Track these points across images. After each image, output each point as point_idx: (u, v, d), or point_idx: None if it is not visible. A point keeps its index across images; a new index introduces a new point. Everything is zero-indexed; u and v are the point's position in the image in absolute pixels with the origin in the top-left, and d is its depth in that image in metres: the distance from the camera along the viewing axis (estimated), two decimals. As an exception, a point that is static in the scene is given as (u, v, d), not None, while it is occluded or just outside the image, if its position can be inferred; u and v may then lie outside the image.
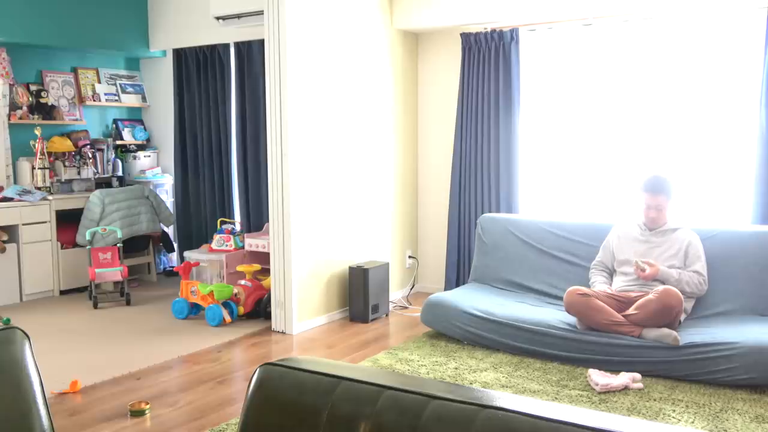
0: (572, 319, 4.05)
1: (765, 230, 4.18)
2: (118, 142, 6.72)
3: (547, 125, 5.36)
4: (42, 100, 6.05)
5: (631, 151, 5.03)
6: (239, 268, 5.17)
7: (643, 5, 4.63)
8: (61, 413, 3.36)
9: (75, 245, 5.91)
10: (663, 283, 4.04)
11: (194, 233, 6.56)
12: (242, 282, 5.09)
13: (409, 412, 1.20)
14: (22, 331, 1.66)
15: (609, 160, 5.12)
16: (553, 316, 4.17)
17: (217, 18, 5.59)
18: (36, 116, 5.96)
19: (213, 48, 6.25)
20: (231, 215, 6.37)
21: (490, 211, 5.46)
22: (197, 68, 6.39)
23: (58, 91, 6.30)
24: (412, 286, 6.00)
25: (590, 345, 3.90)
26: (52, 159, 6.08)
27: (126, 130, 6.81)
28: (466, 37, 5.50)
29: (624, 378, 3.60)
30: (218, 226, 5.79)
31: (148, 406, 3.38)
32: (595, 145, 5.17)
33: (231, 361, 4.19)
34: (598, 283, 4.29)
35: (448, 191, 5.80)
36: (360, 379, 1.30)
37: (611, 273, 4.40)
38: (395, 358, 4.13)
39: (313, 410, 1.29)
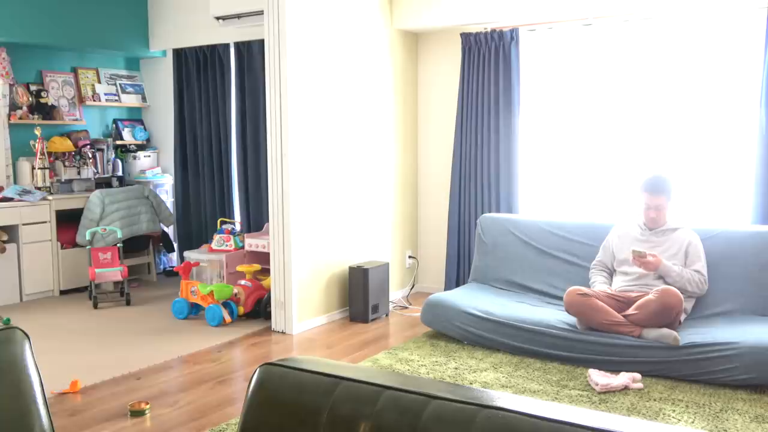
0: (572, 319, 4.05)
1: (765, 230, 4.18)
2: (118, 142, 6.72)
3: (547, 125, 5.36)
4: (42, 100, 6.05)
5: (631, 151, 5.03)
6: (239, 268, 5.17)
7: (643, 5, 4.63)
8: (61, 413, 3.36)
9: (75, 245, 5.91)
10: (664, 280, 4.05)
11: (194, 233, 6.56)
12: (242, 282, 5.09)
13: (409, 412, 1.20)
14: (22, 331, 1.66)
15: (609, 160, 5.12)
16: (553, 316, 4.17)
17: (217, 18, 5.59)
18: (36, 116, 5.96)
19: (213, 48, 6.25)
20: (231, 215, 6.37)
21: (490, 211, 5.46)
22: (197, 68, 6.39)
23: (58, 91, 6.31)
24: (412, 286, 6.00)
25: (590, 345, 3.90)
26: (52, 159, 6.08)
27: (126, 130, 6.81)
28: (466, 37, 5.50)
29: (624, 378, 3.60)
30: (218, 226, 5.79)
31: (148, 406, 3.38)
32: (595, 145, 5.17)
33: (231, 361, 4.19)
34: (598, 283, 4.29)
35: (448, 191, 5.80)
36: (360, 379, 1.30)
37: (611, 273, 4.39)
38: (395, 358, 4.13)
39: (313, 410, 1.29)
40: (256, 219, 6.13)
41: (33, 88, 6.08)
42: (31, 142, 5.89)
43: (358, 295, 5.03)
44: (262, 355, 4.30)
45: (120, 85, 6.74)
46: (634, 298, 4.02)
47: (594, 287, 4.25)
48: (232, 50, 6.14)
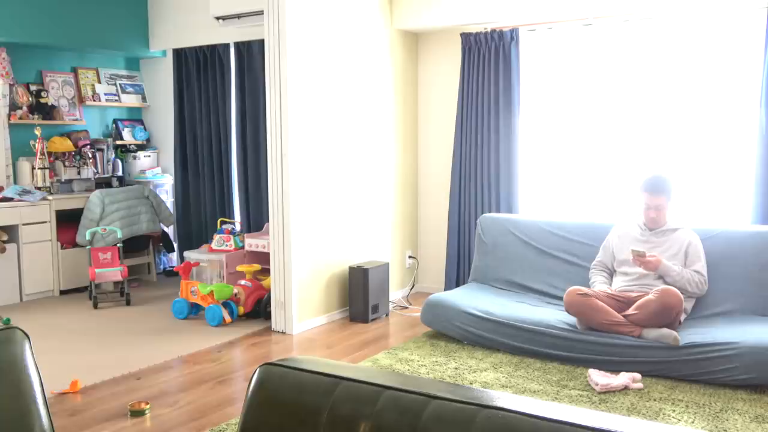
0: (572, 319, 4.05)
1: (765, 230, 4.18)
2: (118, 142, 6.72)
3: (547, 125, 5.36)
4: (42, 100, 6.05)
5: (631, 151, 5.03)
6: (239, 268, 5.17)
7: (643, 5, 4.63)
8: (61, 413, 3.36)
9: (75, 245, 5.91)
10: (664, 280, 4.04)
11: (194, 233, 6.56)
12: (242, 282, 5.09)
13: (409, 412, 1.20)
14: (22, 331, 1.66)
15: (609, 160, 5.12)
16: (553, 316, 4.17)
17: (217, 18, 5.59)
18: (36, 116, 5.96)
19: (213, 48, 6.25)
20: (231, 215, 6.37)
21: (490, 211, 5.46)
22: (197, 68, 6.39)
23: (58, 91, 6.31)
24: (412, 286, 6.00)
25: (590, 345, 3.90)
26: (52, 159, 6.08)
27: (126, 130, 6.81)
28: (466, 37, 5.50)
29: (624, 378, 3.60)
30: (218, 226, 5.79)
31: (148, 406, 3.38)
32: (595, 145, 5.17)
33: (231, 361, 4.19)
34: (598, 283, 4.29)
35: (448, 191, 5.80)
36: (360, 379, 1.30)
37: (611, 273, 4.39)
38: (395, 358, 4.13)
39: (313, 410, 1.29)
40: (256, 219, 6.13)
41: (33, 88, 6.08)
42: (31, 142, 5.89)
43: (358, 295, 5.03)
44: (262, 355, 4.30)
45: (120, 85, 6.74)
46: (634, 298, 4.02)
47: (594, 287, 4.25)
48: (232, 50, 6.14)
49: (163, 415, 3.35)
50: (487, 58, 5.41)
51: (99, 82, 6.60)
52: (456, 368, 3.94)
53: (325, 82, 4.94)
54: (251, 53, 5.96)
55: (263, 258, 5.37)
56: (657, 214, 4.20)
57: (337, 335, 4.74)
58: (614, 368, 3.79)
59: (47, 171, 5.91)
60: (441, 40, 5.80)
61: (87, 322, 5.04)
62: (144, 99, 6.93)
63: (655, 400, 3.44)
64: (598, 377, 3.62)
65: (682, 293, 3.90)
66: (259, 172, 6.03)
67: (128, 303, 5.52)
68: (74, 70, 6.47)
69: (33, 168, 5.89)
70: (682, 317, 3.98)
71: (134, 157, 6.74)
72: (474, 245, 5.22)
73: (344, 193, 5.18)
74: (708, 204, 4.79)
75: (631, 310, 3.91)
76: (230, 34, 6.00)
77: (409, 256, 5.98)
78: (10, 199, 5.57)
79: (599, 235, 4.56)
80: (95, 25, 6.15)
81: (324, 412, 1.27)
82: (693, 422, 3.16)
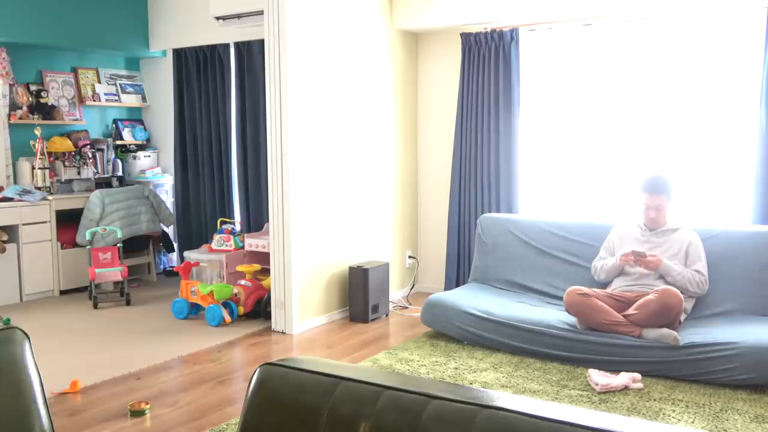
0: (572, 319, 4.05)
1: (765, 230, 4.18)
2: (118, 142, 6.72)
3: (547, 125, 5.36)
4: (42, 100, 6.05)
5: (631, 151, 5.03)
6: (239, 268, 5.17)
7: (643, 5, 4.63)
8: (61, 413, 3.36)
9: (75, 245, 5.91)
10: (664, 279, 4.05)
11: (194, 233, 6.56)
12: (242, 282, 5.09)
13: (409, 412, 1.20)
14: (22, 331, 1.66)
15: (609, 160, 5.13)
16: (553, 316, 4.17)
17: (217, 18, 5.59)
18: (36, 116, 5.96)
19: (213, 48, 6.25)
20: (231, 215, 6.37)
21: (490, 211, 5.46)
22: (197, 68, 6.39)
23: (58, 91, 6.30)
24: (412, 286, 6.00)
25: (590, 345, 3.90)
26: (52, 159, 6.08)
27: (126, 130, 6.81)
28: (466, 37, 5.50)
29: (624, 378, 3.60)
30: (218, 226, 5.79)
31: (148, 406, 3.38)
32: (595, 145, 5.17)
33: (231, 361, 4.19)
34: (606, 261, 4.28)
35: (448, 191, 5.80)
36: (360, 379, 1.30)
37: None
38: (395, 358, 4.13)
39: (313, 410, 1.29)
40: (256, 219, 6.13)
41: (33, 88, 6.08)
42: (31, 142, 5.89)
43: (358, 295, 5.03)
44: (262, 355, 4.30)
45: (120, 85, 6.74)
46: (634, 298, 4.02)
47: (601, 265, 4.27)
48: (232, 50, 6.14)
49: (163, 415, 3.35)
50: (487, 58, 5.41)
51: (99, 82, 6.60)
52: (456, 368, 3.94)
53: (325, 82, 4.94)
54: (251, 53, 5.96)
55: (263, 258, 5.37)
56: (657, 214, 4.20)
57: (337, 335, 4.74)
58: (614, 368, 3.79)
59: (47, 171, 5.91)
60: (441, 40, 5.80)
61: (87, 322, 5.04)
62: (144, 99, 6.93)
63: (655, 400, 3.44)
64: (598, 377, 3.62)
65: (682, 293, 3.90)
66: (259, 172, 6.03)
67: (128, 303, 5.52)
68: (74, 70, 6.47)
69: (33, 168, 5.89)
70: (682, 317, 3.98)
71: (134, 157, 6.74)
72: (474, 245, 5.21)
73: (344, 193, 5.18)
74: (708, 204, 4.79)
75: (631, 310, 3.91)
76: (230, 34, 6.00)
77: (409, 256, 5.98)
78: (10, 199, 5.57)
79: (599, 235, 4.56)
80: (95, 25, 6.15)
81: (324, 412, 1.27)
82: (693, 422, 3.16)
